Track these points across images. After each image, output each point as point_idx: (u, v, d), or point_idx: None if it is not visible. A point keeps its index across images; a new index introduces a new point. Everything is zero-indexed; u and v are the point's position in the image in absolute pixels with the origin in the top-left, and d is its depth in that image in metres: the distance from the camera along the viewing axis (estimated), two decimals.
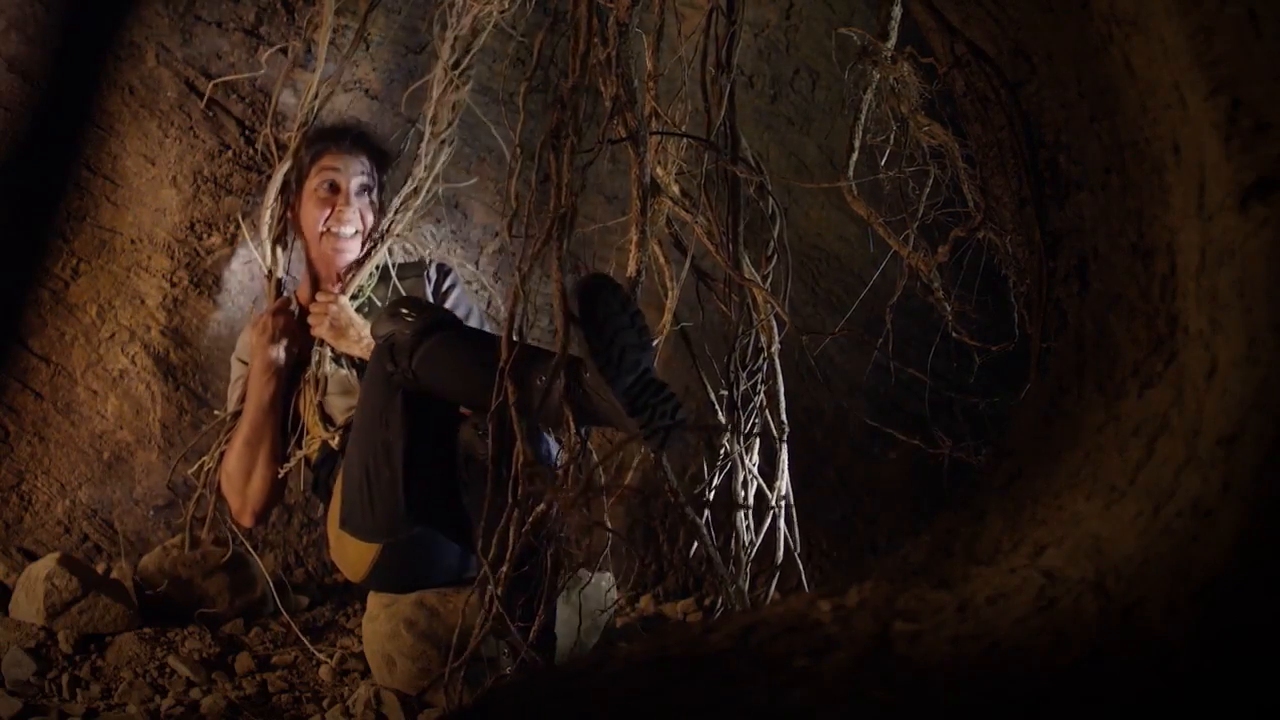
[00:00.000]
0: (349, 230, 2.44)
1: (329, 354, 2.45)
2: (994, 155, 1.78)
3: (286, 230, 2.51)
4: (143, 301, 2.59)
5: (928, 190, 2.19)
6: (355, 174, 2.46)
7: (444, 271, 2.61)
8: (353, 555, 2.24)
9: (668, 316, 2.13)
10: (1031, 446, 1.33)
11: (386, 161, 2.59)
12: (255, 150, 2.62)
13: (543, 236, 1.64)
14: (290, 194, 2.48)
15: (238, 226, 2.64)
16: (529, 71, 1.87)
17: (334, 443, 2.38)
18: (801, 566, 2.28)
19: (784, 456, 2.24)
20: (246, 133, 2.60)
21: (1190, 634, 0.76)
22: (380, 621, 2.18)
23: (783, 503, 2.23)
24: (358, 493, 2.19)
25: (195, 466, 2.49)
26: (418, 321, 2.09)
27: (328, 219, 2.43)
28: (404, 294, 2.45)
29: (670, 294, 2.12)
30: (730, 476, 2.20)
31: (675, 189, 2.10)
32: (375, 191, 2.49)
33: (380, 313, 2.21)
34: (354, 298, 2.47)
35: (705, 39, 1.92)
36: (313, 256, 2.50)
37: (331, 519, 2.29)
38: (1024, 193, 1.66)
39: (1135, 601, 0.84)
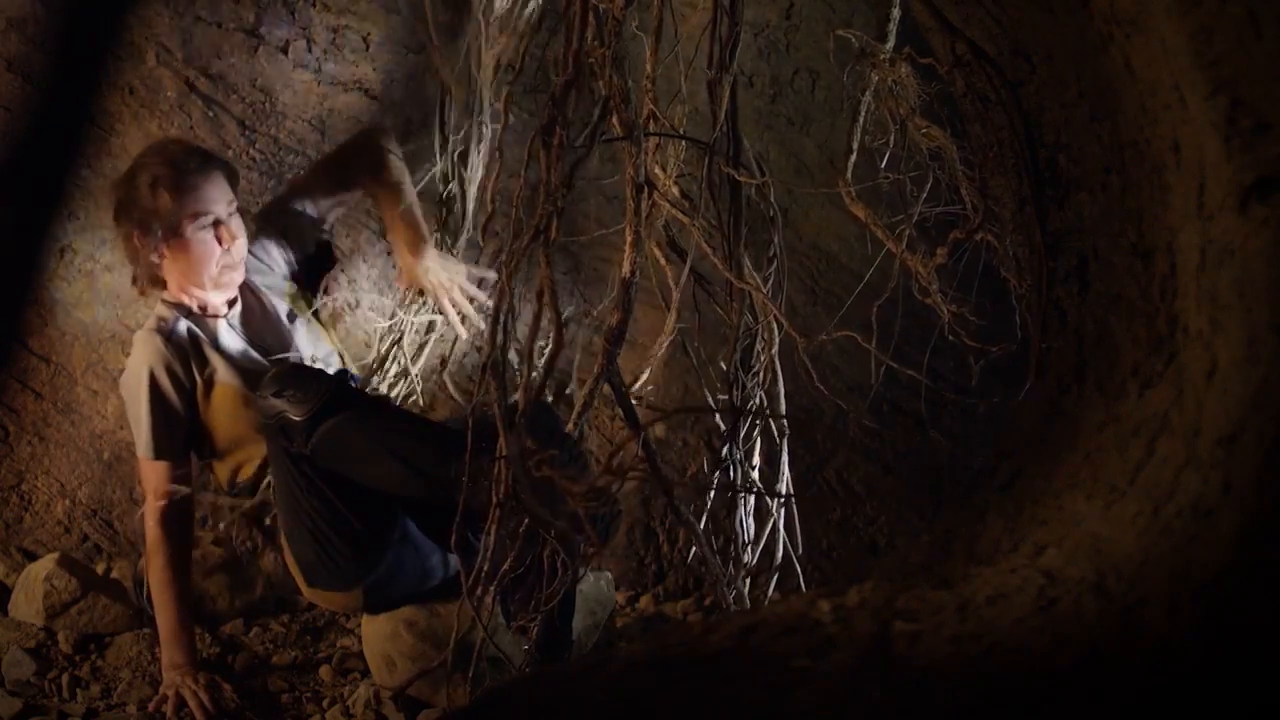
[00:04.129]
0: (239, 255, 2.24)
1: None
2: (994, 155, 1.78)
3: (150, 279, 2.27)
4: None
5: (926, 192, 2.19)
6: (222, 199, 2.19)
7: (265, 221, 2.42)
8: (339, 602, 2.22)
9: (671, 320, 2.11)
10: (1031, 447, 1.33)
11: (230, 164, 2.33)
12: (255, 150, 2.62)
13: (530, 234, 1.63)
14: (153, 248, 2.20)
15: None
16: (515, 75, 1.87)
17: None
18: (800, 570, 2.27)
19: (785, 458, 2.23)
20: (247, 133, 2.60)
21: (1190, 634, 0.76)
22: (380, 622, 2.18)
23: (782, 509, 2.23)
24: (314, 556, 2.10)
25: None
26: (305, 403, 1.98)
27: (220, 258, 2.20)
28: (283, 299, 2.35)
29: (673, 301, 2.10)
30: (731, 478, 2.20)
31: (675, 191, 2.09)
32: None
33: (262, 388, 2.05)
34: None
35: (711, 39, 1.91)
36: (201, 294, 2.25)
37: (297, 577, 2.19)
38: (1024, 193, 1.66)
39: (1135, 601, 0.84)
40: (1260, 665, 0.69)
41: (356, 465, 2.02)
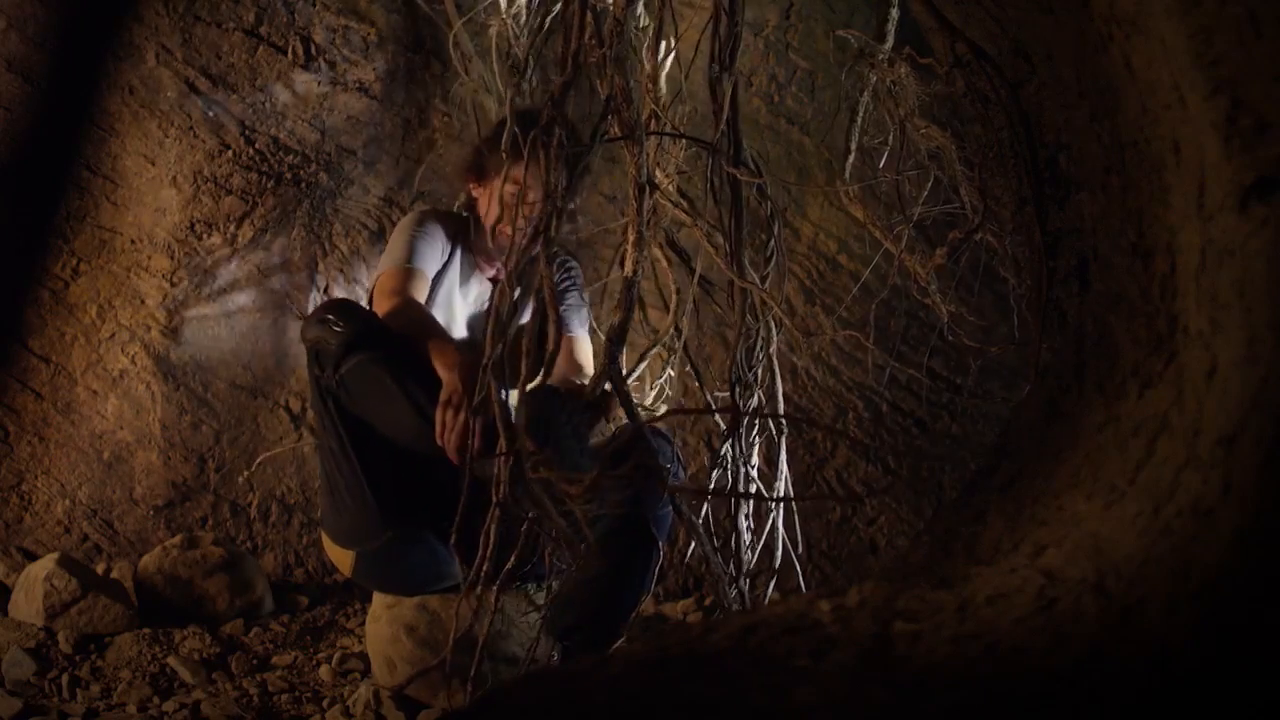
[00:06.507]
0: (519, 237, 2.32)
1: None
2: (994, 155, 1.78)
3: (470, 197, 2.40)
4: (143, 301, 2.60)
5: (925, 192, 2.19)
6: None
7: (564, 265, 2.49)
8: (335, 555, 2.24)
9: (681, 325, 2.10)
10: (1031, 447, 1.33)
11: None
12: (255, 150, 2.62)
13: (531, 233, 1.64)
14: (479, 171, 2.34)
15: (238, 226, 2.64)
16: (518, 76, 1.87)
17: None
18: (800, 569, 2.28)
19: (783, 457, 2.23)
20: (246, 133, 2.60)
21: (1190, 634, 0.76)
22: (382, 624, 2.18)
23: (781, 505, 2.22)
24: (327, 496, 2.15)
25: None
26: (343, 333, 2.01)
27: (504, 221, 2.23)
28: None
29: (673, 301, 2.09)
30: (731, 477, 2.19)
31: (674, 191, 2.09)
32: None
33: (312, 311, 2.12)
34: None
35: (714, 39, 1.91)
36: (485, 227, 2.35)
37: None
38: (1024, 193, 1.66)
39: (1135, 601, 0.84)
40: (1260, 665, 0.69)
41: (375, 405, 2.03)
